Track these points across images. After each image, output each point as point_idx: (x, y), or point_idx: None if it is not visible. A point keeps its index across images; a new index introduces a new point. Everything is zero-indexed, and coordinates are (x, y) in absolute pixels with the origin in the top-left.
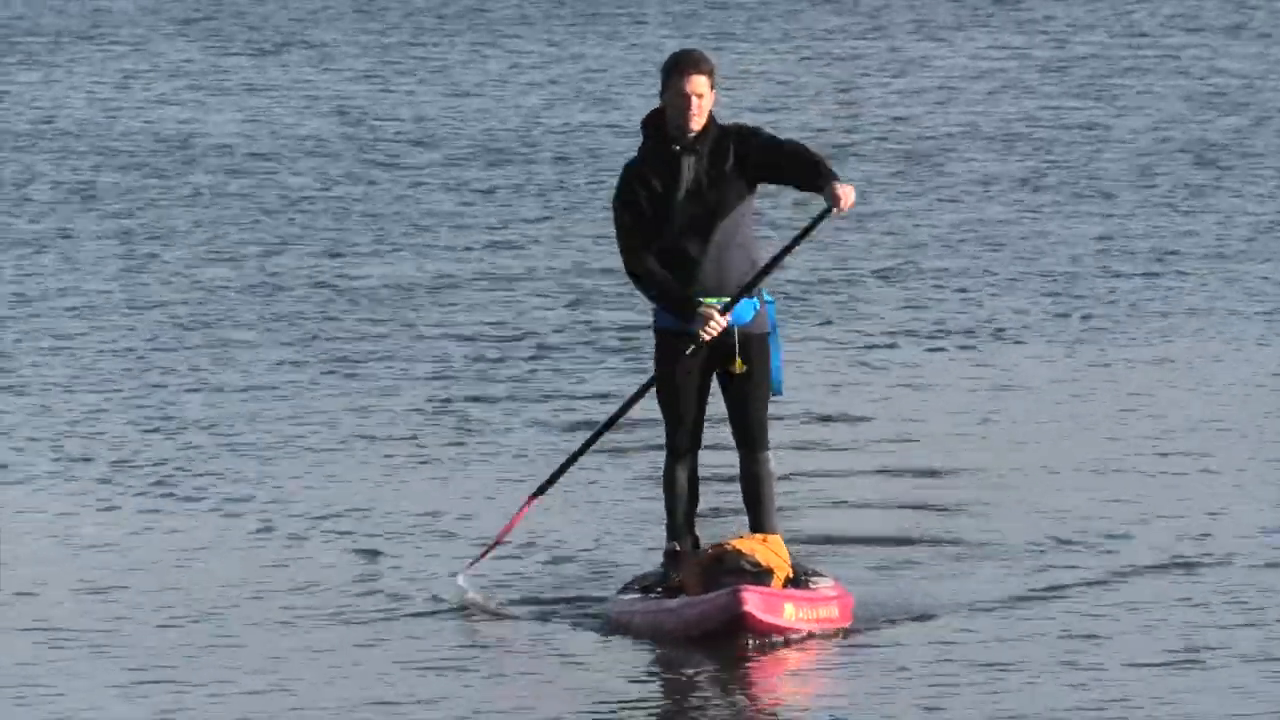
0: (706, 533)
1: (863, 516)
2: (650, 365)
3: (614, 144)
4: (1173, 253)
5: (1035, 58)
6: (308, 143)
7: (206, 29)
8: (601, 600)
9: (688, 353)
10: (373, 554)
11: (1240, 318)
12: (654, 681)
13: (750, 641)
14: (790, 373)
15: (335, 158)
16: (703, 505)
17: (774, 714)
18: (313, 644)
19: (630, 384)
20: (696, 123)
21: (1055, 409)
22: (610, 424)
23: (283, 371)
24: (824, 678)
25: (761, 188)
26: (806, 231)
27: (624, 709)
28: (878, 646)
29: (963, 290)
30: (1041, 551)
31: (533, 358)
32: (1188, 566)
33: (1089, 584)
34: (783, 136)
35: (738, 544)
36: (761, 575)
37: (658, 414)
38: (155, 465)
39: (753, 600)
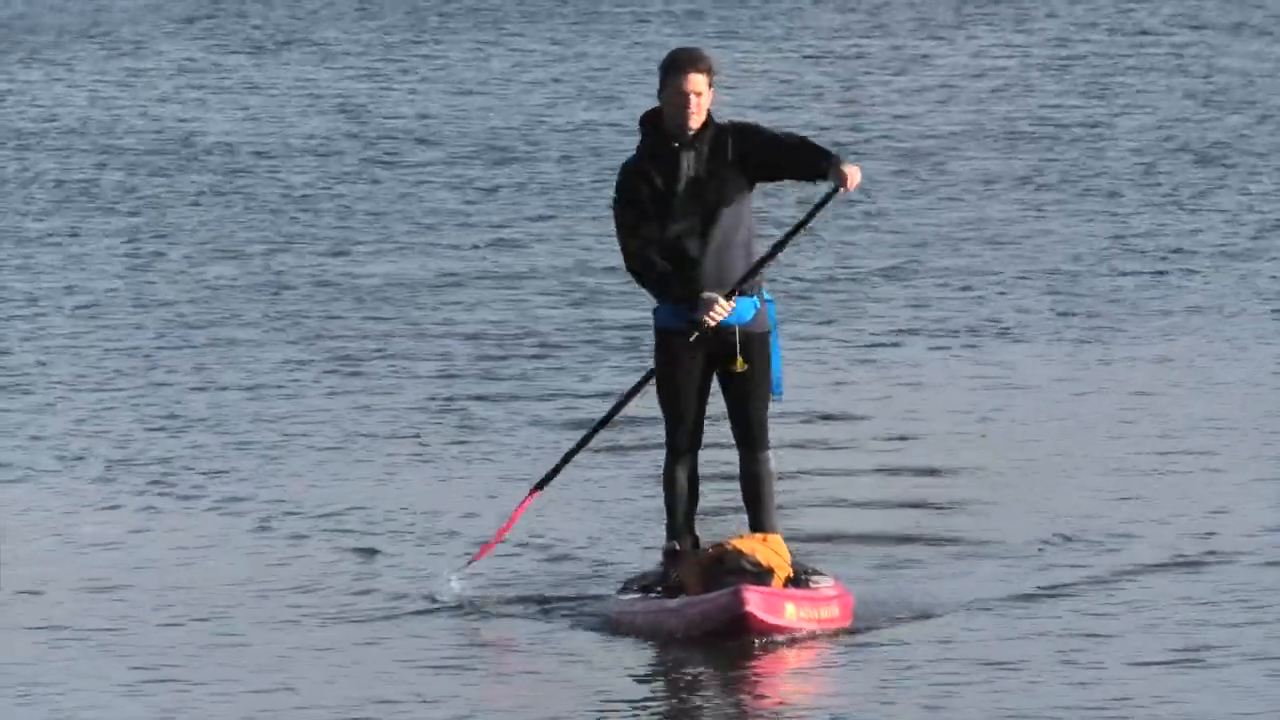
0: (706, 532)
1: (865, 515)
2: (652, 362)
3: (617, 142)
4: (1177, 251)
5: (1037, 56)
6: (311, 141)
7: (208, 27)
8: (601, 599)
9: (691, 339)
10: (375, 553)
11: (1244, 316)
12: (656, 681)
13: (751, 641)
14: (792, 371)
15: (338, 156)
16: (703, 504)
17: (776, 714)
18: (315, 643)
19: (633, 383)
20: (695, 121)
21: (1058, 407)
22: (611, 416)
23: (286, 370)
24: (826, 677)
25: (760, 185)
26: (815, 212)
27: (625, 708)
28: (879, 645)
29: (966, 289)
30: (1043, 550)
31: (536, 356)
32: (1190, 565)
33: (1092, 582)
34: (781, 131)
35: (738, 543)
36: (762, 575)
37: (658, 412)
38: (158, 464)
39: (754, 600)
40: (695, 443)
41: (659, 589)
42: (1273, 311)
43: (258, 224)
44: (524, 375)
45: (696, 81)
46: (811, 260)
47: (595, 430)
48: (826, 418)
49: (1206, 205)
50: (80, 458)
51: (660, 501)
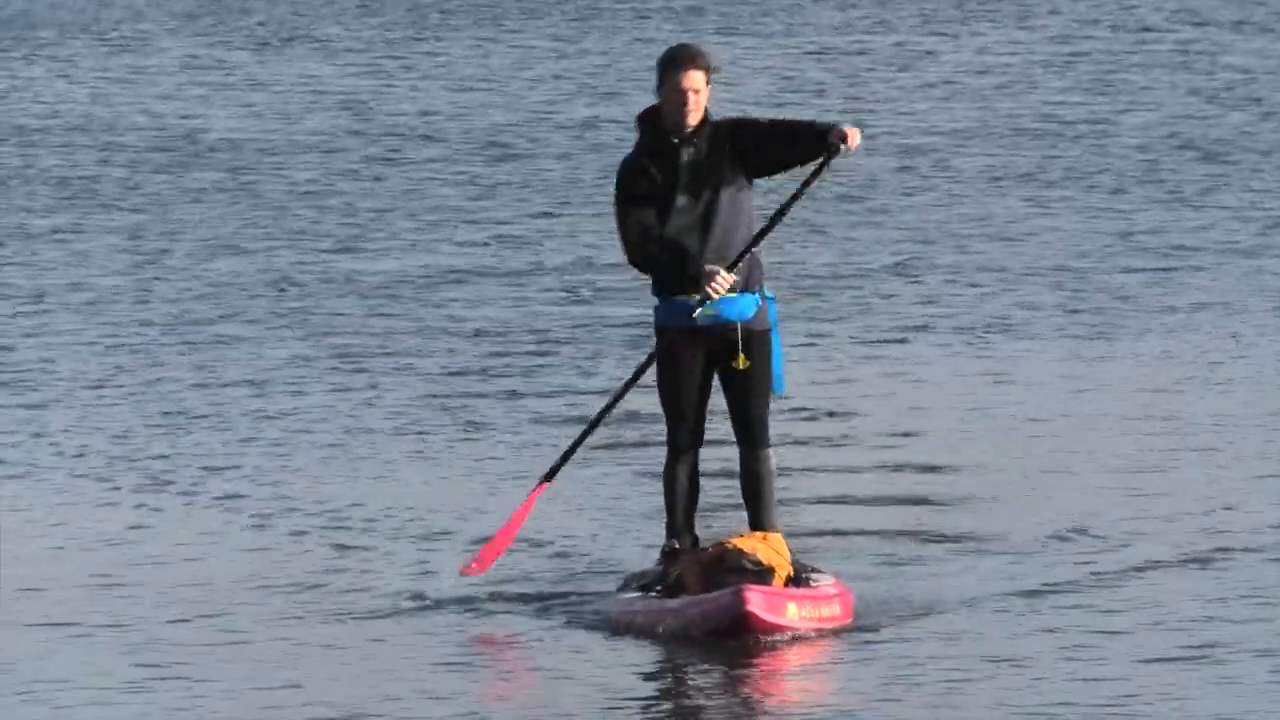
0: (706, 529)
1: (869, 512)
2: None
3: (620, 139)
4: (1182, 248)
5: (1040, 52)
6: (314, 138)
7: (210, 24)
8: (602, 596)
9: (694, 315)
10: (379, 550)
11: (1250, 312)
12: (660, 679)
13: (753, 640)
14: (797, 368)
15: (341, 153)
16: (702, 501)
17: (782, 712)
18: (320, 640)
19: (636, 385)
20: (693, 118)
21: (1063, 403)
22: (614, 404)
23: (289, 366)
24: (831, 674)
25: (761, 182)
26: (813, 177)
27: (632, 707)
28: (884, 643)
29: (971, 285)
30: (1050, 546)
31: (538, 353)
32: (1197, 562)
33: (1097, 579)
34: (776, 119)
35: (738, 542)
36: (763, 574)
37: (659, 410)
38: (162, 460)
39: (756, 600)
40: (696, 441)
41: (658, 588)
42: (1277, 308)
43: (261, 220)
44: (526, 372)
45: (695, 78)
46: (817, 257)
47: (601, 415)
48: (832, 414)
49: (1211, 202)
50: (82, 454)
51: (660, 499)
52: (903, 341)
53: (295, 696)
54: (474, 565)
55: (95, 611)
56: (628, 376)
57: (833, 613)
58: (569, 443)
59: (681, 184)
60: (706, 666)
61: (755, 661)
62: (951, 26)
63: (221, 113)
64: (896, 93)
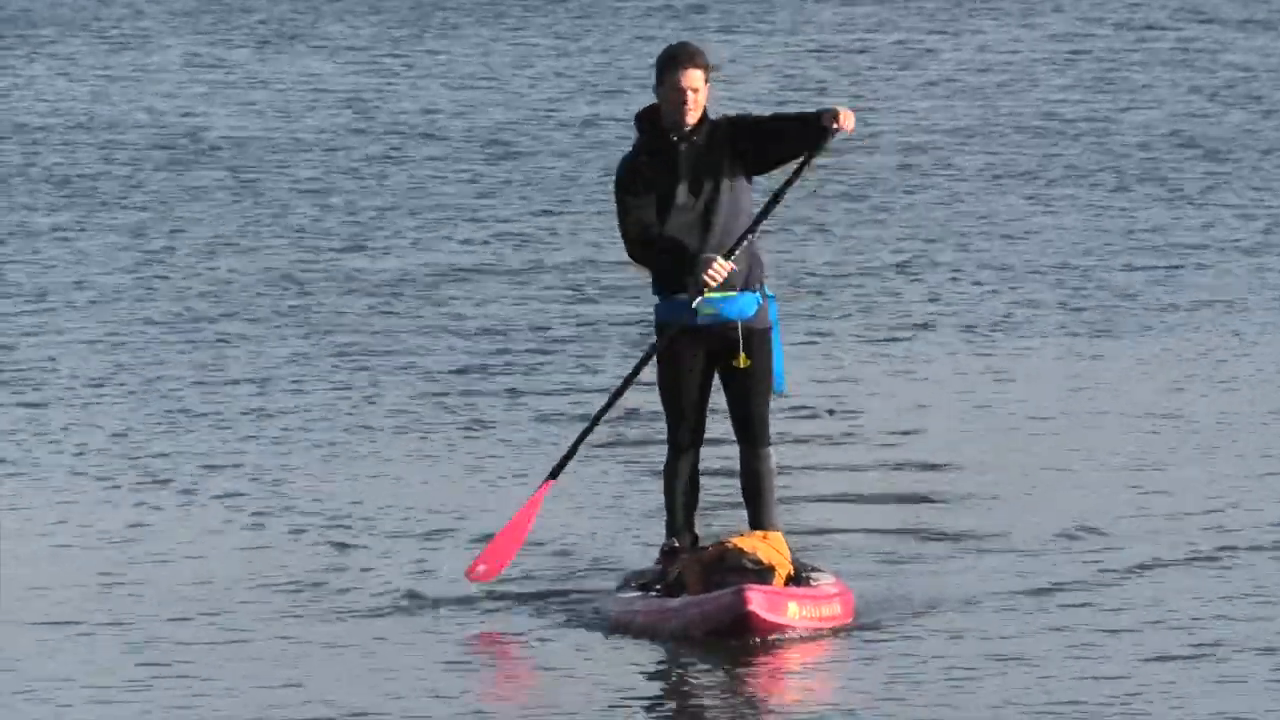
0: (706, 528)
1: (870, 510)
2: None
3: (622, 136)
4: (1186, 245)
5: (1043, 50)
6: (316, 136)
7: (212, 22)
8: (603, 594)
9: (693, 305)
10: (381, 548)
11: (1255, 310)
12: (665, 678)
13: (755, 640)
14: (800, 366)
15: (344, 151)
16: (702, 499)
17: (787, 710)
18: (322, 638)
19: (637, 382)
20: (692, 117)
21: (1066, 402)
22: (615, 399)
23: (290, 364)
24: (835, 673)
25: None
26: (808, 160)
27: (636, 705)
28: (887, 641)
29: (974, 283)
30: (1052, 544)
31: (540, 351)
32: (1201, 560)
33: (1101, 577)
34: (771, 114)
35: (739, 541)
36: (763, 573)
37: (660, 409)
38: (164, 458)
39: (757, 600)
40: (697, 439)
41: (658, 587)
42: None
43: (262, 219)
44: (528, 370)
45: (694, 77)
46: (819, 255)
47: (603, 411)
48: (834, 411)
49: (1215, 200)
50: (84, 453)
51: (660, 498)
52: (905, 339)
53: (296, 695)
54: (481, 569)
55: (96, 610)
56: (628, 373)
57: (833, 612)
58: (572, 440)
59: (681, 182)
60: (708, 665)
61: (757, 660)
62: (953, 24)
63: (223, 111)
64: (898, 91)
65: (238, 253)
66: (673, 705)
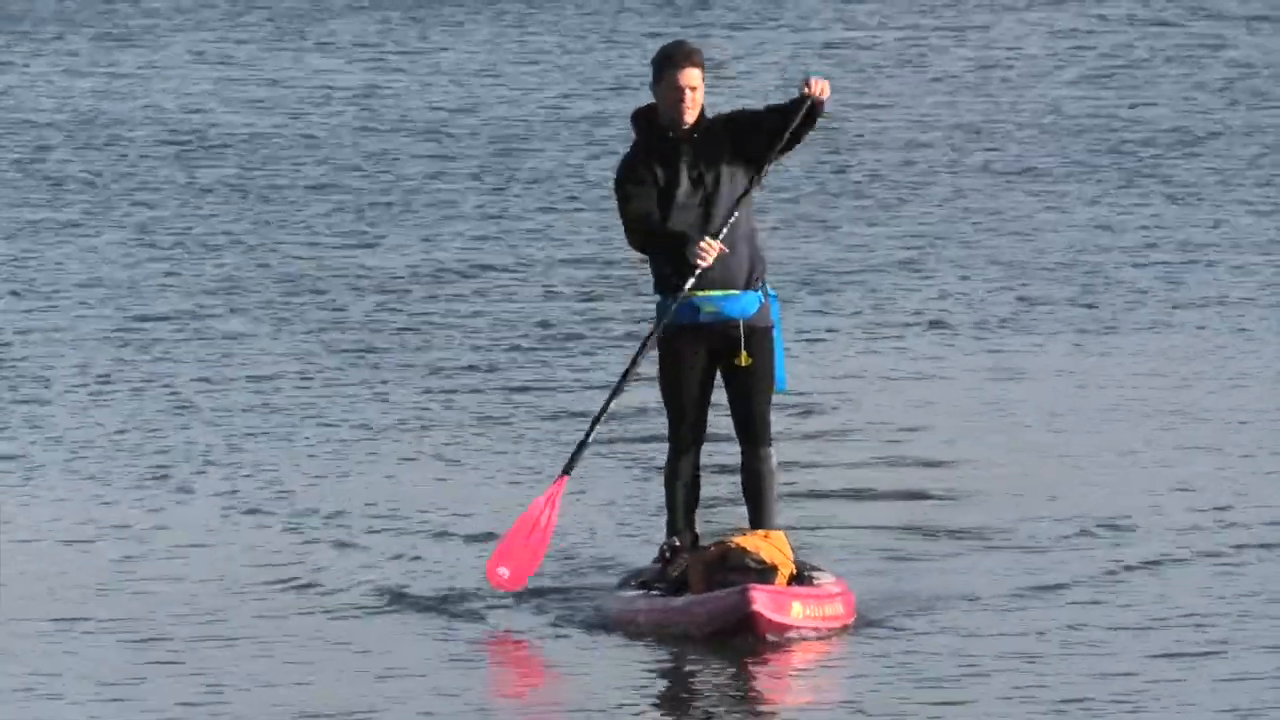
0: (707, 526)
1: (875, 507)
2: (654, 356)
3: (626, 133)
4: (1194, 243)
5: (1053, 47)
6: (322, 132)
7: (218, 18)
8: (603, 592)
9: (686, 288)
10: (385, 548)
11: (1262, 307)
12: (665, 679)
13: (758, 639)
14: (804, 363)
15: (350, 147)
16: (703, 499)
17: (793, 709)
18: (326, 636)
19: (640, 376)
20: (690, 115)
21: (1073, 398)
22: (620, 389)
23: (294, 362)
24: (838, 671)
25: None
26: (791, 128)
27: (635, 705)
28: (890, 639)
29: (981, 280)
30: (1058, 541)
31: (543, 348)
32: (1208, 556)
33: (1107, 574)
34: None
35: (741, 541)
36: (766, 572)
37: (661, 407)
38: (167, 456)
39: (761, 599)
40: (698, 438)
41: (659, 585)
42: None
43: (268, 215)
44: (534, 367)
45: (692, 76)
46: (824, 251)
47: (608, 402)
48: (837, 409)
49: (1224, 197)
50: (86, 450)
51: (661, 496)
52: (911, 336)
53: (301, 693)
54: (504, 573)
55: (98, 607)
56: (627, 366)
57: (836, 611)
58: (580, 436)
59: (682, 179)
60: (713, 664)
61: (762, 658)
62: (959, 21)
63: (229, 107)
64: (903, 88)
65: (243, 249)
66: (676, 704)
